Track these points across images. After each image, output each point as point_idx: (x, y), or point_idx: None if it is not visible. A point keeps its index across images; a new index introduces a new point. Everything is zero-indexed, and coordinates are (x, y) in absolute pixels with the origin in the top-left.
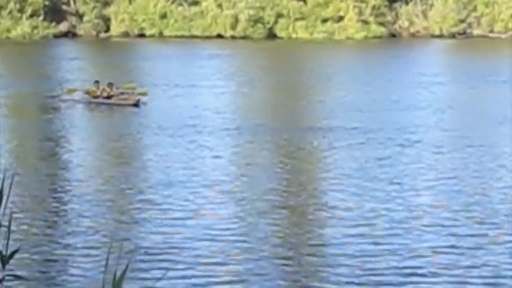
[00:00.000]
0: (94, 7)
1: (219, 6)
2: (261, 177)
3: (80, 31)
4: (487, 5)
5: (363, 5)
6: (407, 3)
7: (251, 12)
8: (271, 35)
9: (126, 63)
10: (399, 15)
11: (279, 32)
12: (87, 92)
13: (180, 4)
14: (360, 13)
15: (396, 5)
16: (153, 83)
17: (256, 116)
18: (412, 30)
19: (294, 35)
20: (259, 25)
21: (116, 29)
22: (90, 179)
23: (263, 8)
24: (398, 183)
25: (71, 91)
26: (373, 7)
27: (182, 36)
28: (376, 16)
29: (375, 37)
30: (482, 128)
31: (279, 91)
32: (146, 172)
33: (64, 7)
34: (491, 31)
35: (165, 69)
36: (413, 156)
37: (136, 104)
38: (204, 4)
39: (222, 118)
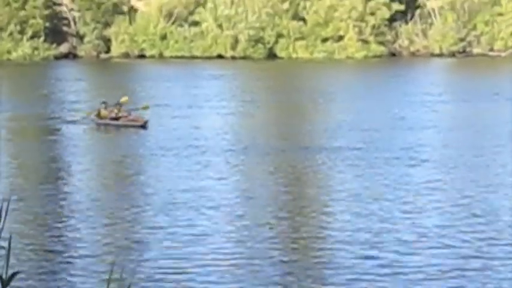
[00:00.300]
0: (94, 28)
1: (219, 26)
2: (266, 198)
3: (80, 52)
4: (486, 24)
5: (363, 25)
6: (407, 22)
7: (251, 32)
8: (272, 55)
9: (127, 84)
10: (399, 34)
11: (279, 52)
12: (97, 114)
13: (180, 25)
14: (360, 32)
15: (396, 24)
16: (155, 103)
17: (259, 137)
18: (412, 49)
19: (294, 55)
20: (260, 45)
21: (116, 49)
22: (93, 201)
23: (263, 28)
24: (404, 204)
25: (90, 114)
26: (373, 26)
27: (182, 57)
28: (376, 35)
29: (375, 56)
30: (487, 146)
31: (281, 111)
32: (149, 193)
33: (65, 28)
34: (491, 49)
35: (166, 90)
36: (418, 175)
37: (143, 126)
38: (204, 25)
39: (225, 139)
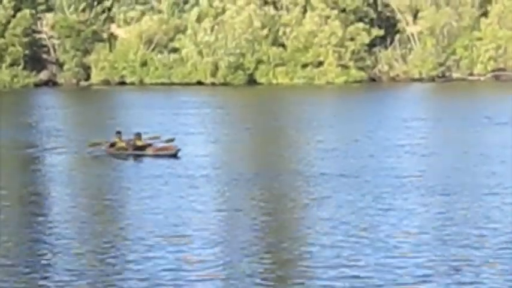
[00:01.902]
0: (74, 55)
1: (199, 53)
2: (245, 225)
3: (60, 79)
4: (465, 48)
5: (343, 50)
6: (386, 47)
7: (231, 58)
8: (252, 81)
9: (108, 111)
10: (379, 59)
11: (259, 78)
12: (112, 145)
13: (161, 52)
14: (340, 58)
15: (375, 49)
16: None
17: (239, 162)
18: (391, 74)
19: (274, 81)
20: (240, 71)
21: (96, 77)
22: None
23: (243, 55)
24: (385, 228)
25: (94, 144)
26: (353, 52)
27: (162, 84)
28: (356, 61)
29: (355, 81)
30: (468, 170)
31: (263, 137)
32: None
33: (44, 56)
34: (471, 74)
35: (148, 117)
36: (400, 200)
37: (175, 155)
38: (184, 51)
39: (204, 166)
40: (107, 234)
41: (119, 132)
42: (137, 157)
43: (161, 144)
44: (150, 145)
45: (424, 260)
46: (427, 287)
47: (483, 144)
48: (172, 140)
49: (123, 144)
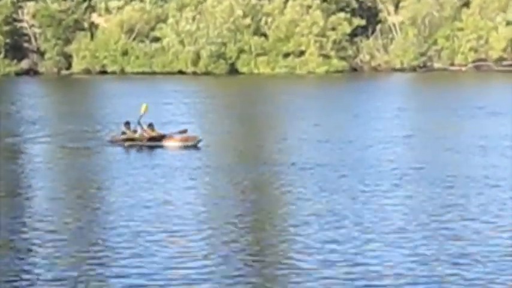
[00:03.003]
0: (55, 44)
1: (181, 42)
2: (229, 215)
3: (41, 68)
4: (447, 39)
5: (324, 40)
6: (368, 37)
7: (213, 48)
8: (233, 71)
9: (90, 100)
10: (360, 49)
11: (241, 67)
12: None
13: (142, 41)
14: (321, 48)
15: (357, 39)
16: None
17: (221, 153)
18: (373, 64)
19: (255, 71)
20: (221, 61)
21: (77, 66)
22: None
23: (225, 44)
24: (367, 217)
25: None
26: (334, 41)
27: (143, 73)
28: (337, 50)
29: (337, 71)
30: (449, 159)
31: (244, 127)
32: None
33: (25, 45)
34: (452, 64)
35: (131, 107)
36: (382, 189)
37: (196, 145)
38: (165, 40)
39: (190, 157)
40: (86, 224)
41: (127, 123)
42: (152, 148)
43: (180, 135)
44: (164, 136)
45: (416, 251)
46: (418, 278)
47: (476, 134)
48: (185, 132)
49: (134, 135)
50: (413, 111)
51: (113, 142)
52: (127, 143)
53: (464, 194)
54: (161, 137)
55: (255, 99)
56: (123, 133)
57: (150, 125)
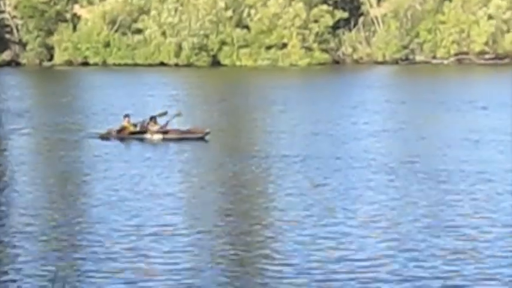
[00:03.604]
0: (37, 36)
1: (163, 34)
2: (212, 205)
3: (23, 60)
4: (429, 32)
5: (307, 32)
6: (350, 30)
7: (195, 40)
8: (215, 63)
9: (72, 91)
10: (342, 42)
11: (223, 59)
12: (120, 130)
13: (124, 33)
14: (304, 40)
15: (339, 31)
16: (106, 111)
17: (199, 144)
18: (355, 56)
19: (238, 63)
20: (203, 53)
21: (59, 57)
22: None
23: (207, 36)
24: (351, 209)
25: (104, 136)
26: (317, 34)
27: (125, 65)
28: (320, 43)
29: (319, 64)
30: (431, 152)
31: (226, 119)
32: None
33: (7, 36)
34: (434, 57)
35: (114, 98)
36: (364, 181)
37: (203, 137)
38: (147, 32)
39: (175, 150)
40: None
41: (127, 116)
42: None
43: (186, 127)
44: (165, 128)
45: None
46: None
47: (463, 127)
48: (179, 115)
49: (133, 129)
50: (399, 104)
51: (111, 136)
52: (120, 136)
53: (455, 188)
54: (168, 131)
55: (238, 91)
56: (120, 129)
57: (153, 118)
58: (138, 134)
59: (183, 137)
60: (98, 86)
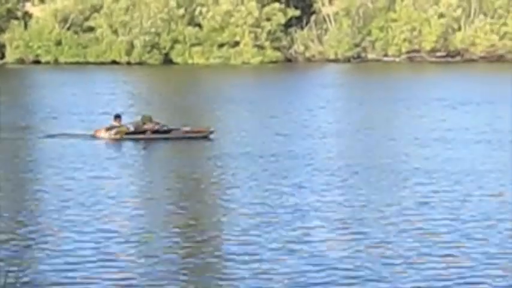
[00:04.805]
0: None
1: (115, 32)
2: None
3: None
4: (381, 30)
5: (259, 30)
6: (302, 28)
7: (147, 38)
8: (167, 61)
9: (24, 90)
10: (295, 40)
11: (175, 57)
12: (108, 129)
13: (76, 31)
14: (256, 38)
15: (292, 30)
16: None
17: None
18: (307, 54)
19: (190, 61)
20: (155, 51)
21: (11, 55)
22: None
23: (159, 34)
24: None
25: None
26: (269, 32)
27: (77, 63)
28: (272, 41)
29: (271, 62)
30: (384, 150)
31: (180, 118)
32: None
33: None
34: (386, 55)
35: (67, 96)
36: (319, 182)
37: (206, 136)
38: (98, 30)
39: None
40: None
41: (118, 116)
42: (152, 140)
43: (188, 127)
44: (170, 129)
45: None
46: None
47: (398, 124)
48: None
49: (124, 129)
50: (356, 102)
51: (105, 136)
52: (117, 136)
53: (425, 187)
54: (167, 131)
55: (191, 89)
56: (112, 127)
57: (148, 117)
58: (134, 134)
59: (186, 136)
60: (50, 85)
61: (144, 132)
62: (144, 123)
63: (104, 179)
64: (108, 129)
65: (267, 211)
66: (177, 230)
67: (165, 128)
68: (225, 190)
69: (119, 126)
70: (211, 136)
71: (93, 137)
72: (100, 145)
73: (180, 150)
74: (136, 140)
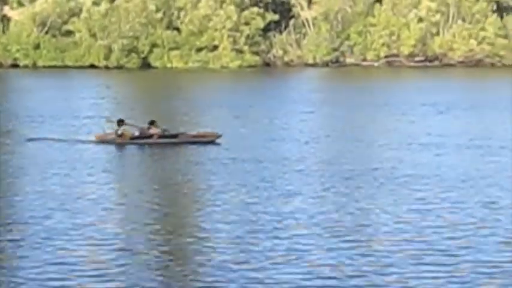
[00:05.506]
0: None
1: (93, 36)
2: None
3: None
4: (359, 34)
5: (237, 34)
6: (281, 32)
7: (125, 42)
8: (146, 65)
9: (5, 95)
10: (273, 44)
11: (154, 61)
12: (123, 135)
13: (54, 35)
14: (234, 42)
15: (270, 34)
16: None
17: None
18: (286, 59)
19: (168, 65)
20: (134, 55)
21: None
22: None
23: (137, 38)
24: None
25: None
26: (248, 36)
27: (56, 67)
28: (251, 45)
29: (250, 66)
30: (360, 155)
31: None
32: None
33: None
34: (364, 59)
35: (44, 101)
36: (298, 186)
37: (213, 141)
38: (77, 34)
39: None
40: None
41: (121, 121)
42: (159, 145)
43: (195, 132)
44: (177, 134)
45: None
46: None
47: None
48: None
49: (128, 133)
50: (336, 106)
51: (110, 141)
52: (121, 141)
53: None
54: (175, 135)
55: (170, 93)
56: (115, 131)
57: (152, 123)
58: (139, 139)
59: (193, 141)
60: (28, 89)
61: (150, 136)
62: (149, 128)
63: (105, 184)
64: (111, 133)
65: (258, 218)
66: (163, 235)
67: (173, 133)
68: (212, 196)
69: (122, 131)
70: (218, 141)
71: (96, 141)
72: (104, 149)
73: (180, 155)
74: (141, 145)
